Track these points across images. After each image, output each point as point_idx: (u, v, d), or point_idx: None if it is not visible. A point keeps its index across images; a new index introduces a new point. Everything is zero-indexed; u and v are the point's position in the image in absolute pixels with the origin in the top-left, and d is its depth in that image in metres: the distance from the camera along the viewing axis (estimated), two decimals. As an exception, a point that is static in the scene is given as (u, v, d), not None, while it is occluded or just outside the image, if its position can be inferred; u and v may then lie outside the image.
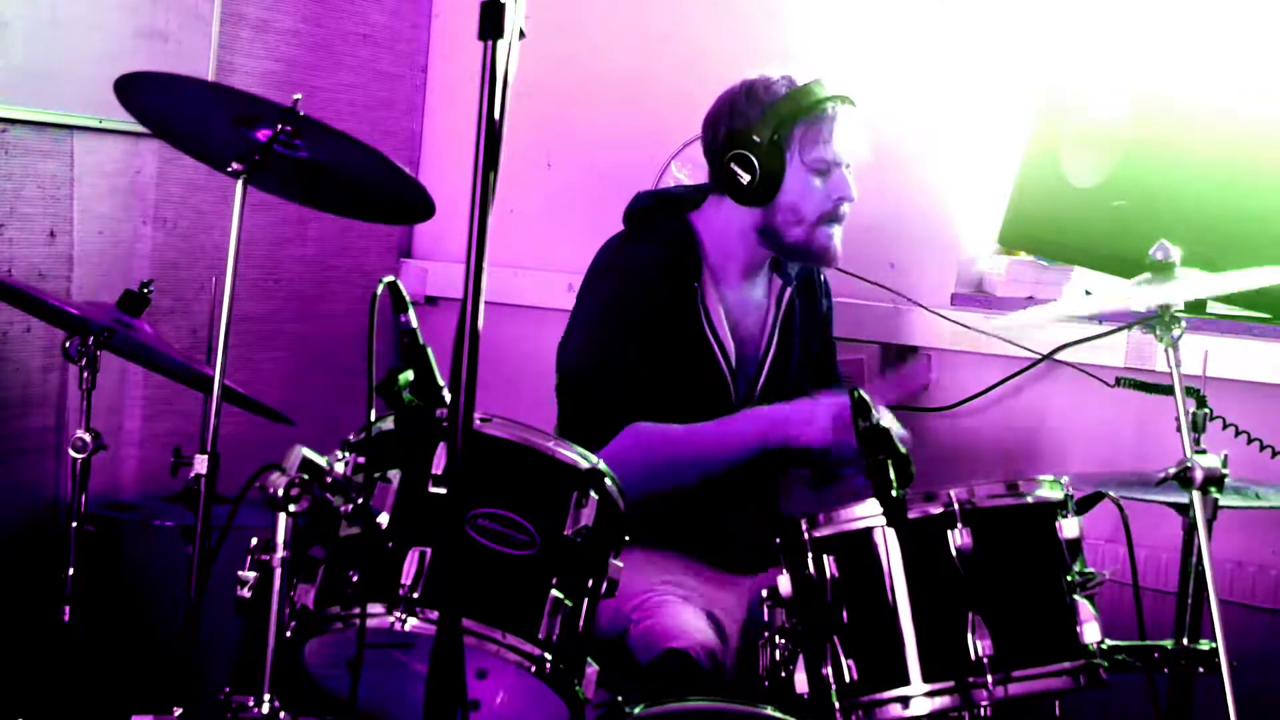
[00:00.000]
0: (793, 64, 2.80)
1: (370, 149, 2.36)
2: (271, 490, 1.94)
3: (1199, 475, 2.22)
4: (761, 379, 2.86)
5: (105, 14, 3.16)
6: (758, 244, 2.82)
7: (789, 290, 2.90)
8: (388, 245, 4.03)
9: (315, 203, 2.77)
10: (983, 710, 2.06)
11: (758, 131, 2.71)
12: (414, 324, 2.09)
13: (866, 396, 2.24)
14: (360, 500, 1.97)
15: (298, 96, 2.29)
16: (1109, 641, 2.14)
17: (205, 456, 2.32)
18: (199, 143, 2.57)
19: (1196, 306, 3.04)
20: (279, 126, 2.31)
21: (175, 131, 2.62)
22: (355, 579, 2.00)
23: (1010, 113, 3.40)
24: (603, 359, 2.73)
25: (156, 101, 2.52)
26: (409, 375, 2.05)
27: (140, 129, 2.74)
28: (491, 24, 1.66)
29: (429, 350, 2.08)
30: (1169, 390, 2.93)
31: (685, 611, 2.61)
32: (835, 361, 3.06)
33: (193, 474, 2.33)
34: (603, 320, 2.77)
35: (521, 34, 1.69)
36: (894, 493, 2.13)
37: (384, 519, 1.97)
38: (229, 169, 2.40)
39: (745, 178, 2.72)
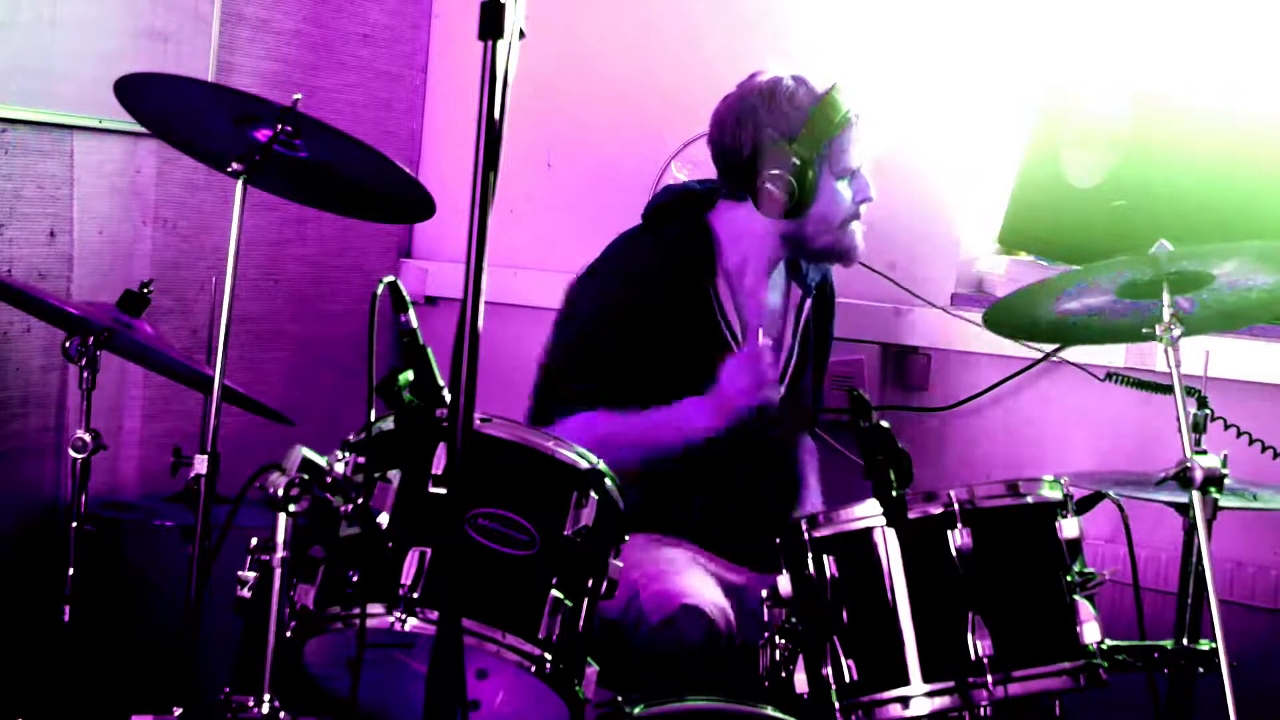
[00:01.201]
0: (797, 63, 2.80)
1: (370, 149, 2.36)
2: (271, 490, 1.95)
3: (1199, 475, 2.22)
4: (786, 380, 2.86)
5: (105, 14, 3.16)
6: (779, 246, 2.83)
7: (809, 301, 2.90)
8: (388, 245, 4.03)
9: (315, 203, 2.77)
10: (983, 710, 2.07)
11: (796, 153, 2.69)
12: (414, 324, 2.09)
13: (866, 396, 2.24)
14: (360, 500, 1.97)
15: (298, 96, 2.29)
16: (1109, 641, 2.14)
17: (205, 456, 2.32)
18: (199, 143, 2.57)
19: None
20: (279, 126, 2.31)
21: (175, 131, 2.62)
22: (355, 579, 2.00)
23: (1010, 113, 3.40)
24: (588, 350, 2.73)
25: (156, 102, 2.52)
26: (409, 375, 2.05)
27: (140, 129, 2.74)
28: (491, 24, 1.66)
29: (429, 350, 2.08)
30: (1160, 388, 2.95)
31: (696, 573, 2.61)
32: (825, 367, 3.07)
33: (193, 474, 2.33)
34: (597, 314, 2.77)
35: (521, 34, 1.69)
36: (894, 493, 2.14)
37: (384, 519, 1.97)
38: (229, 169, 2.41)
39: (783, 199, 2.71)
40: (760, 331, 2.69)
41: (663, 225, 2.84)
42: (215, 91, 2.62)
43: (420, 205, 2.51)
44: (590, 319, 2.76)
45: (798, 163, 2.69)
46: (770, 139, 2.71)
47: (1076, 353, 3.15)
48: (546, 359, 2.80)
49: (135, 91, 2.44)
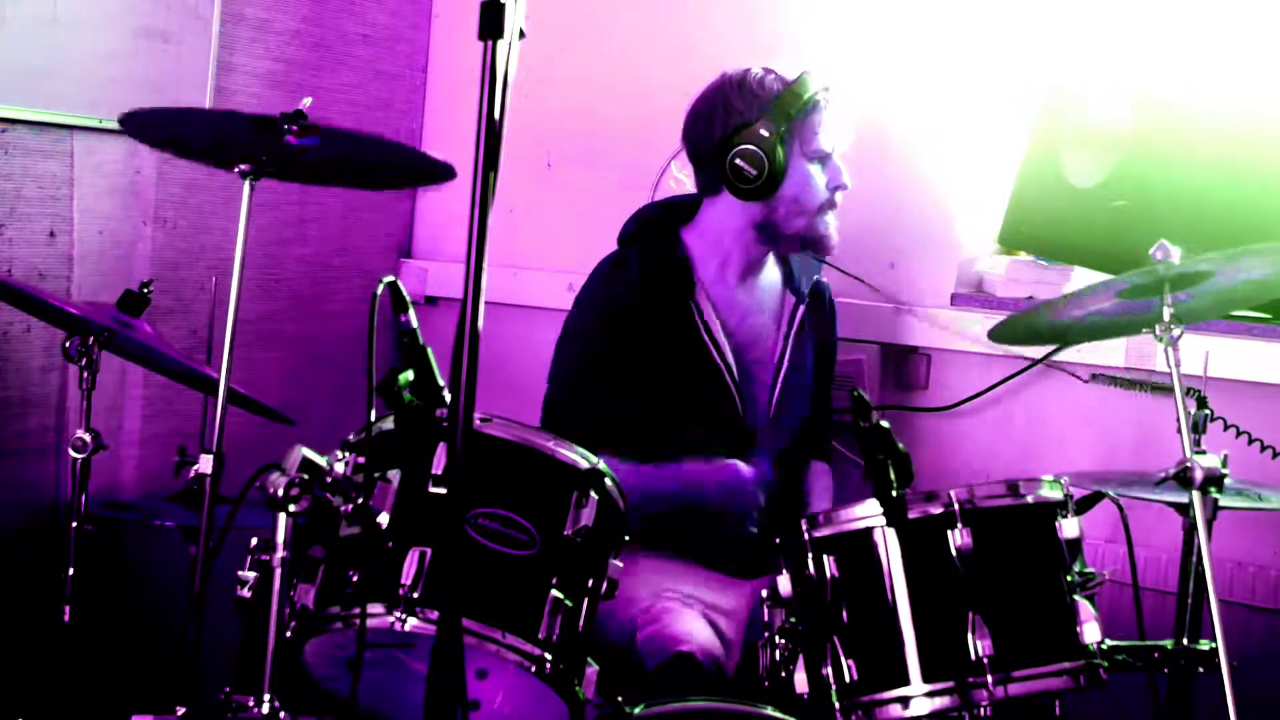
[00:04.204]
0: (771, 58, 2.82)
1: (379, 139, 2.34)
2: (271, 490, 1.95)
3: (1199, 475, 2.22)
4: (777, 389, 2.86)
5: (105, 14, 3.15)
6: (755, 241, 2.83)
7: (801, 308, 2.91)
8: (388, 245, 4.03)
9: (326, 182, 2.75)
10: (983, 710, 2.07)
11: (763, 127, 2.72)
12: (414, 324, 2.09)
13: (866, 397, 2.24)
14: (360, 500, 1.97)
15: (308, 101, 2.29)
16: (1109, 641, 2.14)
17: (210, 456, 2.32)
18: (207, 153, 2.56)
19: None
20: (286, 127, 2.31)
21: (183, 149, 2.63)
22: (355, 579, 2.00)
23: (1010, 113, 3.40)
24: (577, 390, 2.78)
25: (160, 132, 2.52)
26: (409, 375, 2.05)
27: (140, 129, 2.75)
28: (491, 24, 1.66)
29: (429, 350, 2.08)
30: (1148, 387, 2.95)
31: (689, 617, 2.65)
32: (831, 381, 3.08)
33: (193, 474, 2.33)
34: (578, 353, 2.81)
35: (521, 34, 1.69)
36: (894, 493, 2.13)
37: (384, 519, 1.97)
38: (236, 169, 2.40)
39: (752, 173, 2.73)
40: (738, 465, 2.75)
41: (636, 248, 2.86)
42: (220, 118, 2.61)
43: (437, 170, 2.45)
44: (579, 354, 2.80)
45: (766, 135, 2.71)
46: (739, 120, 2.74)
47: (1072, 353, 3.15)
48: (546, 395, 2.82)
49: (140, 124, 2.45)
